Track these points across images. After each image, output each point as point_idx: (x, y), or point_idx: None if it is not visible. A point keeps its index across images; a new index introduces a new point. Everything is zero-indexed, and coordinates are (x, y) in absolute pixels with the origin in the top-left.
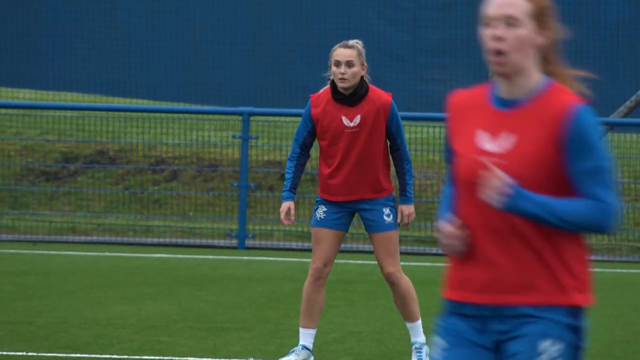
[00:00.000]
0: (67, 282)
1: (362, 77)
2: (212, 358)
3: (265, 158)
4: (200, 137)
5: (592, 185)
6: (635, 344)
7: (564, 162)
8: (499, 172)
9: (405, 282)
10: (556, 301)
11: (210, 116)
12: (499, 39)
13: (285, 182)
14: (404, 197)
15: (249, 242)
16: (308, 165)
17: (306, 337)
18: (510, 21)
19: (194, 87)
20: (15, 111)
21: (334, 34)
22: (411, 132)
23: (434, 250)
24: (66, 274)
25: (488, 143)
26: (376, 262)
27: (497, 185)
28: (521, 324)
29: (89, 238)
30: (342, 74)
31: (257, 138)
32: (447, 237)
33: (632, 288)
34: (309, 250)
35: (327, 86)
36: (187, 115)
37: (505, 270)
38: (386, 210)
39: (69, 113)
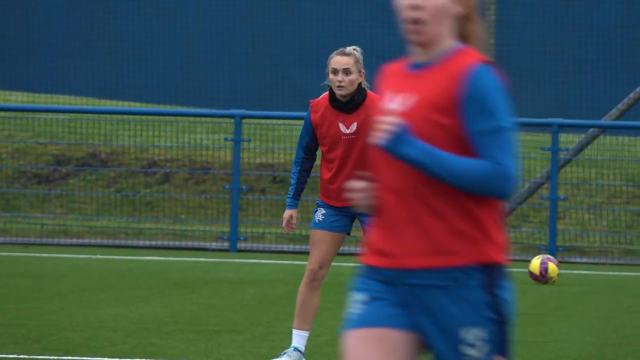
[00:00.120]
0: (59, 285)
1: (359, 84)
2: None
3: (258, 161)
4: (192, 140)
5: (490, 147)
6: (627, 347)
7: (463, 123)
8: (392, 115)
9: None
10: (464, 262)
11: (203, 119)
12: (416, 7)
13: (290, 188)
14: None
15: (241, 245)
16: None
17: (299, 338)
18: None
19: (186, 90)
20: (7, 114)
21: (327, 37)
22: None
23: None
24: (58, 276)
25: (393, 103)
26: None
27: (386, 125)
28: (432, 296)
29: (80, 241)
30: (340, 81)
31: (249, 141)
32: (354, 191)
33: (624, 291)
34: (301, 252)
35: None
36: (179, 118)
37: (411, 234)
38: None
39: (61, 116)
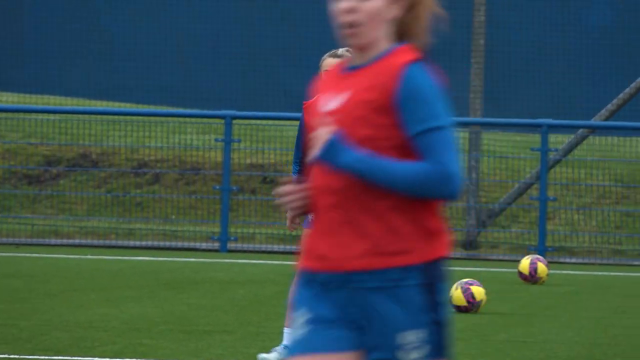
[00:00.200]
0: (49, 285)
1: None
2: None
3: (248, 161)
4: (182, 141)
5: (429, 148)
6: (616, 347)
7: (399, 123)
8: (327, 125)
9: None
10: (403, 262)
11: (193, 119)
12: (351, 10)
13: None
14: None
15: (231, 245)
16: None
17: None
18: None
19: (177, 91)
20: None
21: (316, 38)
22: None
23: None
24: (48, 276)
25: (327, 104)
26: None
27: (319, 135)
28: (371, 299)
29: (71, 241)
30: None
31: (239, 141)
32: (283, 194)
33: (613, 291)
34: (292, 253)
35: None
36: (169, 119)
37: (349, 236)
38: None
39: (51, 116)
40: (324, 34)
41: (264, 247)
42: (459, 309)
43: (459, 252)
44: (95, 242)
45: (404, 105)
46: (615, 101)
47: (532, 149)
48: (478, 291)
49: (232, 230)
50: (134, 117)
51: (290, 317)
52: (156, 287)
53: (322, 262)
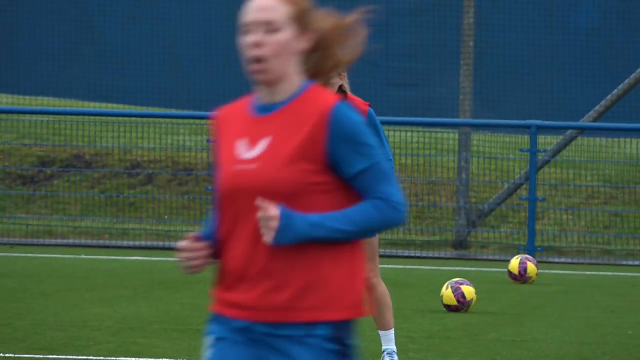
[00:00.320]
0: (44, 285)
1: (340, 87)
2: None
3: None
4: (175, 142)
5: (373, 185)
6: (605, 346)
7: (328, 167)
8: (265, 208)
9: (382, 288)
10: (317, 318)
11: (186, 120)
12: (258, 45)
13: None
14: None
15: None
16: None
17: None
18: (269, 27)
19: (169, 92)
20: None
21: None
22: None
23: (406, 253)
24: (43, 276)
25: (246, 151)
26: None
27: (265, 221)
28: (284, 343)
29: (65, 241)
30: None
31: None
32: (183, 252)
33: (602, 290)
34: None
35: None
36: (162, 120)
37: (266, 286)
38: None
39: (45, 117)
40: None
41: None
42: (450, 308)
43: (450, 252)
44: (90, 242)
45: (337, 148)
46: (603, 103)
47: (521, 150)
48: (468, 291)
49: None
50: (128, 119)
51: None
52: (150, 287)
53: (237, 311)
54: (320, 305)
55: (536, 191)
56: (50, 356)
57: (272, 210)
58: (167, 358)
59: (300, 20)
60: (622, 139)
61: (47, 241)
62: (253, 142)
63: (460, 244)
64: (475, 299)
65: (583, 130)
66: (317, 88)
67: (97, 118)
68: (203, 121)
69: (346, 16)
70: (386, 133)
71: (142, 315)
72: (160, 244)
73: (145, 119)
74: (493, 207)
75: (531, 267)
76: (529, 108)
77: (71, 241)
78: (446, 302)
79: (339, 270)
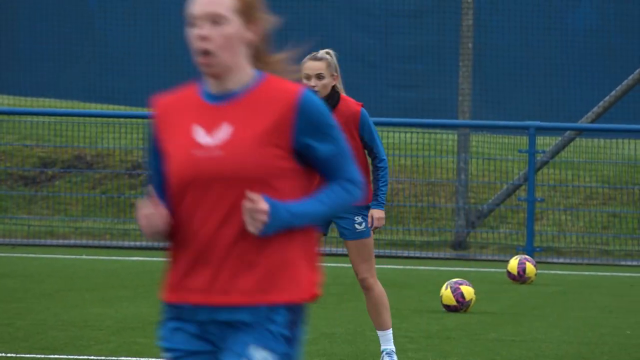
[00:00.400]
0: (45, 285)
1: (333, 87)
2: None
3: None
4: None
5: (337, 166)
6: (603, 346)
7: (294, 152)
8: (254, 200)
9: (379, 289)
10: (272, 300)
11: None
12: (204, 38)
13: None
14: (375, 202)
15: None
16: None
17: None
18: (215, 19)
19: None
20: None
21: (306, 41)
22: (383, 137)
23: (406, 253)
24: (44, 276)
25: (204, 137)
26: (349, 265)
27: (254, 213)
28: (235, 330)
29: (66, 241)
30: (313, 86)
31: None
32: (144, 215)
33: (600, 290)
34: None
35: None
36: None
37: (231, 269)
38: (358, 219)
39: (46, 119)
40: (315, 38)
41: None
42: (449, 308)
43: (449, 253)
44: (90, 242)
45: (305, 134)
46: (601, 104)
47: (520, 151)
48: (467, 291)
49: None
50: (128, 120)
51: None
52: (151, 287)
53: (194, 295)
54: (285, 288)
55: (535, 192)
56: (51, 356)
57: (261, 203)
58: None
59: (246, 12)
60: (620, 140)
61: (48, 241)
62: (211, 129)
63: (459, 245)
64: (474, 299)
65: (581, 131)
66: (275, 77)
67: (98, 119)
68: None
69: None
70: (386, 134)
71: (143, 315)
72: (161, 244)
73: (145, 120)
74: (492, 208)
75: (530, 268)
76: (528, 109)
77: (72, 241)
78: (445, 302)
79: (300, 253)
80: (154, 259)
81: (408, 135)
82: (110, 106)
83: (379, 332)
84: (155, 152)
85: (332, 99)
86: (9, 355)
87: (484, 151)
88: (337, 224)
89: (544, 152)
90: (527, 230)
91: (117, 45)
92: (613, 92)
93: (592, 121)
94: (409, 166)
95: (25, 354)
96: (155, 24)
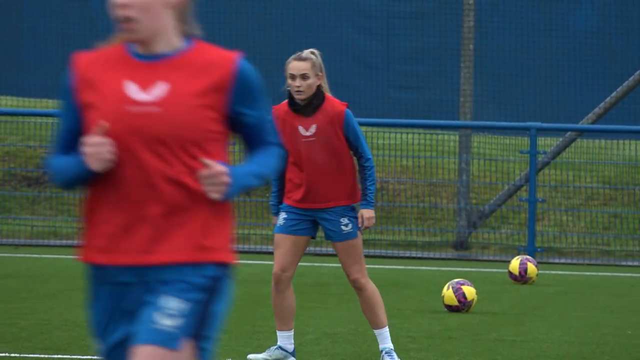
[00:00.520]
0: (48, 285)
1: (318, 87)
2: None
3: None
4: None
5: (263, 133)
6: (604, 346)
7: (225, 114)
8: (211, 165)
9: (372, 287)
10: (199, 259)
11: None
12: (124, 5)
13: (272, 194)
14: (365, 202)
15: None
16: None
17: (282, 339)
18: None
19: None
20: None
21: (308, 42)
22: (385, 138)
23: (407, 253)
24: (48, 276)
25: (138, 93)
26: None
27: (213, 178)
28: (157, 290)
29: (70, 241)
30: (298, 86)
31: (234, 144)
32: (92, 144)
33: (601, 291)
34: None
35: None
36: None
37: (162, 227)
38: (344, 220)
39: (50, 119)
40: (315, 39)
41: (259, 247)
42: (451, 308)
43: (450, 253)
44: None
45: (240, 99)
46: (602, 105)
47: (521, 152)
48: (469, 291)
49: None
50: None
51: (278, 321)
52: None
53: (120, 255)
54: (212, 248)
55: (536, 192)
56: (55, 355)
57: (218, 167)
58: None
59: None
60: (621, 141)
61: (52, 242)
62: (145, 85)
63: (460, 245)
64: (475, 299)
65: (582, 132)
66: (204, 43)
67: None
68: None
69: None
70: (387, 135)
71: None
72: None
73: None
74: (493, 208)
75: (531, 268)
76: (529, 110)
77: (76, 242)
78: (447, 302)
79: (221, 219)
80: None
81: (410, 136)
82: None
83: (376, 331)
84: (72, 106)
85: (317, 98)
86: (12, 355)
87: (485, 152)
88: (324, 227)
89: (545, 152)
90: (528, 231)
91: None
92: (614, 94)
93: (593, 122)
94: (411, 167)
95: (28, 354)
96: None
